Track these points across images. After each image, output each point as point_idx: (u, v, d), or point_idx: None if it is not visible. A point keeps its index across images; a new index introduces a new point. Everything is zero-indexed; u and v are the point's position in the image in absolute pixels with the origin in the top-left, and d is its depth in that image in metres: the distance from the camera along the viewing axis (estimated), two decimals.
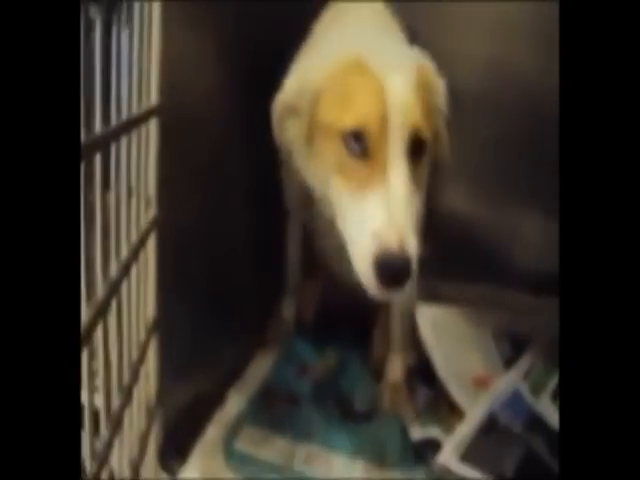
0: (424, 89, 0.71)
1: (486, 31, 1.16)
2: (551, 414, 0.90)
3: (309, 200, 0.87)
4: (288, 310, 1.12)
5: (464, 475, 0.80)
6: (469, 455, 0.82)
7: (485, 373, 0.98)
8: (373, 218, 0.63)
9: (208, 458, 0.90)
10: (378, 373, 1.02)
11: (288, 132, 0.78)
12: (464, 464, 0.81)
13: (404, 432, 0.91)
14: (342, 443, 0.91)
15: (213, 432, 0.94)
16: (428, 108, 0.71)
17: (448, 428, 0.89)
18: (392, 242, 0.61)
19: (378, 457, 0.88)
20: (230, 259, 1.02)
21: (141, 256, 0.70)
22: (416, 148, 0.67)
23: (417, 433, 0.90)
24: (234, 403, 0.99)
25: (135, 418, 0.73)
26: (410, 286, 0.91)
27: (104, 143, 0.53)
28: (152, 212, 0.73)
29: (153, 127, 0.70)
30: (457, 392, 0.93)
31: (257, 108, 0.84)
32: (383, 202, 0.63)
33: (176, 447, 0.90)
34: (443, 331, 1.02)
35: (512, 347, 1.04)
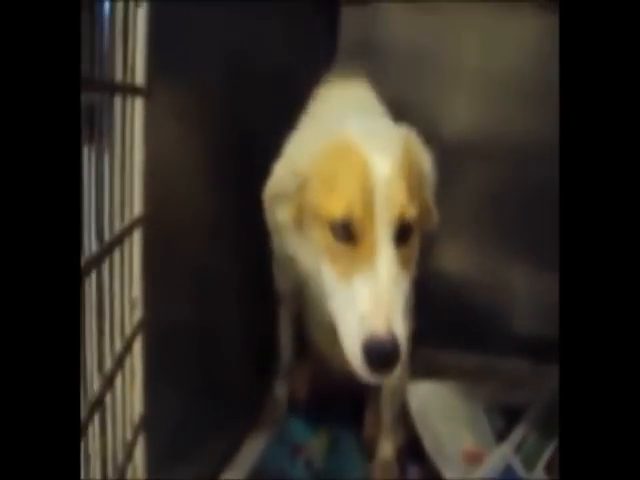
0: (410, 166, 0.71)
1: (474, 83, 1.20)
2: None
3: (300, 285, 0.90)
4: (281, 391, 1.13)
5: None
6: None
7: (476, 448, 0.97)
8: (361, 302, 0.64)
9: None
10: (370, 452, 1.01)
11: (278, 217, 0.81)
12: None
13: None
14: None
15: None
16: (415, 185, 0.71)
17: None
18: (379, 326, 0.62)
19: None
20: (220, 347, 1.03)
21: (127, 358, 0.72)
22: (402, 231, 0.68)
23: None
24: None
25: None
26: (400, 366, 0.94)
27: (99, 260, 0.55)
28: (138, 314, 0.75)
29: (137, 237, 0.72)
30: (447, 469, 0.92)
31: (246, 200, 0.86)
32: (370, 286, 0.64)
33: None
34: (433, 408, 1.02)
35: (505, 420, 1.03)
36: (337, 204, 0.68)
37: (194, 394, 0.99)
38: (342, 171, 0.69)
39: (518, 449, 0.96)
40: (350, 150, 0.69)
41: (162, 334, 0.84)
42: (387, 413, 0.99)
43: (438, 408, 1.02)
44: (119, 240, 0.63)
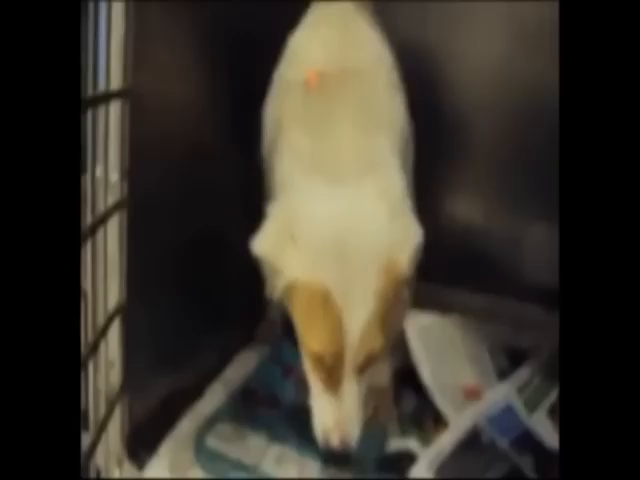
0: (387, 296, 0.70)
1: (493, 32, 1.12)
2: (545, 430, 0.84)
3: None
4: (276, 312, 1.08)
5: None
6: (446, 470, 0.77)
7: (476, 384, 0.92)
8: (325, 418, 0.75)
9: (178, 452, 0.87)
10: None
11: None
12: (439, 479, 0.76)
13: (382, 443, 0.87)
14: (316, 448, 0.86)
15: (186, 426, 0.91)
16: (390, 307, 0.71)
17: (428, 440, 0.84)
18: (336, 442, 0.74)
19: (351, 466, 0.83)
20: (217, 258, 1.00)
21: (101, 236, 0.69)
22: (368, 363, 0.72)
23: (395, 443, 0.85)
24: (212, 399, 0.96)
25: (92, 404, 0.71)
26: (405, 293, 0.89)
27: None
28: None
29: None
30: (443, 402, 0.88)
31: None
32: (335, 409, 0.73)
33: (145, 438, 0.87)
34: (434, 339, 0.96)
35: (508, 361, 0.98)
36: (312, 340, 0.72)
37: (187, 297, 0.95)
38: (318, 316, 0.70)
39: (521, 391, 0.91)
40: (326, 298, 0.68)
41: (151, 236, 0.80)
42: None
43: (438, 339, 0.97)
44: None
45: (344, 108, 0.77)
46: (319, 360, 0.72)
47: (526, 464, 0.78)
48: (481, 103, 1.17)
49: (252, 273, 0.79)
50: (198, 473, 0.83)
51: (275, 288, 0.73)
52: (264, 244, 0.72)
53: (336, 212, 0.71)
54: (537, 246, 1.20)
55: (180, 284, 0.93)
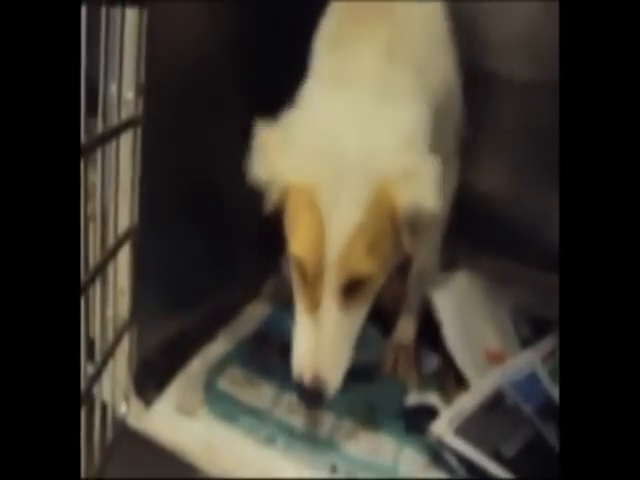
0: (381, 217, 0.64)
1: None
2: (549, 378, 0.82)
3: None
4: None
5: (457, 449, 0.71)
6: (466, 429, 0.73)
7: (499, 349, 0.89)
8: (299, 345, 0.70)
9: (186, 391, 0.84)
10: (386, 326, 0.94)
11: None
12: (459, 437, 0.72)
13: (401, 396, 0.84)
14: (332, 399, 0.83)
15: (196, 366, 0.88)
16: (384, 236, 0.66)
17: (449, 399, 0.81)
18: (306, 374, 0.68)
19: (368, 418, 0.81)
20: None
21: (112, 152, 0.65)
22: (354, 287, 0.67)
23: (414, 398, 0.82)
24: (223, 341, 0.93)
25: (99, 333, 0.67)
26: (432, 251, 0.90)
27: None
28: None
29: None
30: (466, 363, 0.84)
31: None
32: (309, 333, 0.68)
33: (154, 375, 0.84)
34: (459, 300, 0.93)
35: (531, 329, 0.95)
36: (295, 243, 0.68)
37: (203, 241, 0.92)
38: (302, 217, 0.66)
39: (545, 360, 0.87)
40: (312, 199, 0.65)
41: (165, 161, 0.76)
42: (412, 292, 0.93)
43: (464, 301, 0.93)
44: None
45: (374, 35, 0.72)
46: (301, 268, 0.67)
47: (550, 432, 0.75)
48: (508, 70, 1.13)
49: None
50: (206, 414, 0.80)
51: (271, 199, 0.69)
52: (260, 155, 0.69)
53: (341, 121, 0.67)
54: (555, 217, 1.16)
55: (196, 217, 0.89)
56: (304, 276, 0.68)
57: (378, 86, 0.69)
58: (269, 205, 0.70)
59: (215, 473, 0.75)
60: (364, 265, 0.65)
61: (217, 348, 0.92)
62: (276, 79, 0.82)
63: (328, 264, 0.64)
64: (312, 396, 0.69)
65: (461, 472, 0.71)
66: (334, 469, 0.74)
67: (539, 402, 0.79)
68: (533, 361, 0.86)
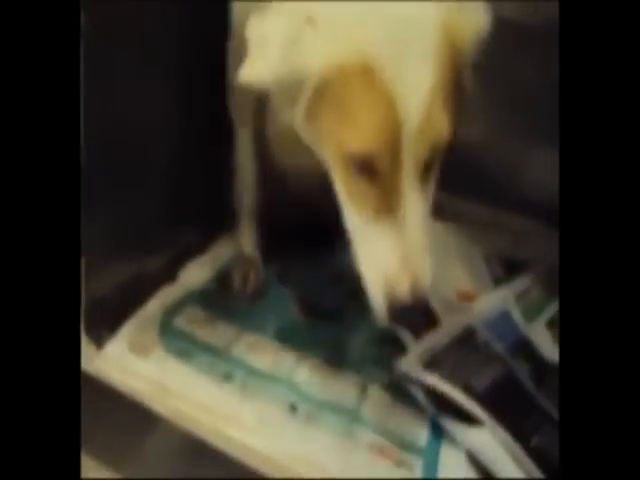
0: (451, 67, 0.55)
1: None
2: (544, 341, 0.78)
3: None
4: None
5: (425, 382, 0.68)
6: (435, 363, 0.70)
7: (471, 289, 0.85)
8: (385, 257, 0.55)
9: (140, 331, 0.79)
10: None
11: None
12: (428, 371, 0.69)
13: (369, 335, 0.79)
14: (295, 338, 0.79)
15: (153, 306, 0.83)
16: (454, 85, 0.56)
17: (419, 336, 0.76)
18: (405, 291, 0.54)
19: (332, 357, 0.77)
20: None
21: None
22: (433, 160, 0.56)
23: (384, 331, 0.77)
24: (185, 282, 0.88)
25: None
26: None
27: None
28: None
29: None
30: (438, 304, 0.80)
31: None
32: (395, 239, 0.54)
33: (107, 318, 0.79)
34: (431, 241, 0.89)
35: (505, 270, 0.91)
36: (354, 136, 0.54)
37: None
38: (361, 99, 0.53)
39: (518, 299, 0.84)
40: (372, 75, 0.51)
41: None
42: None
43: (433, 245, 0.89)
44: None
45: None
46: (366, 167, 0.54)
47: (521, 370, 0.72)
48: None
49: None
50: (161, 352, 0.76)
51: (293, 104, 0.56)
52: (271, 42, 0.54)
53: None
54: (543, 163, 1.13)
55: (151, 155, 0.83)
56: (374, 175, 0.55)
57: None
58: (299, 109, 0.56)
59: (168, 415, 0.71)
60: (444, 126, 0.54)
61: (178, 288, 0.87)
62: None
63: (407, 146, 0.52)
64: (414, 314, 0.56)
65: (429, 408, 0.68)
66: (293, 408, 0.70)
67: (511, 340, 0.76)
68: (506, 299, 0.82)
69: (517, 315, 0.81)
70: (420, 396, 0.68)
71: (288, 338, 0.79)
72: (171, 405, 0.71)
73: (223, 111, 0.85)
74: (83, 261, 0.70)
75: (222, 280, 0.89)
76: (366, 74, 0.52)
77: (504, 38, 1.06)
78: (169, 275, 0.89)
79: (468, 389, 0.66)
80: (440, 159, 0.58)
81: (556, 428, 0.62)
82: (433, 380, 0.67)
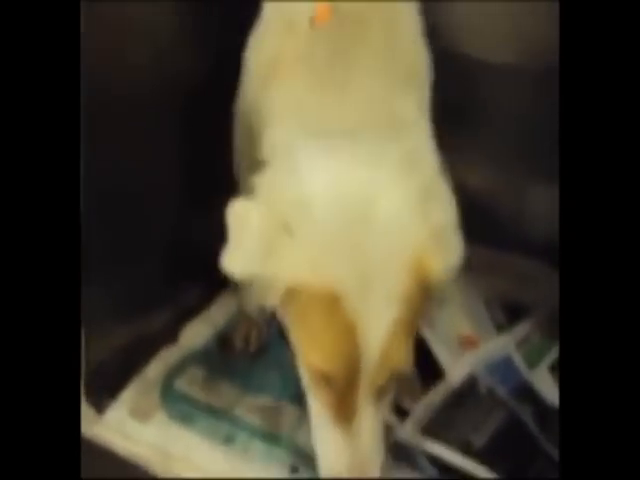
0: (416, 295, 0.53)
1: None
2: (547, 387, 0.77)
3: None
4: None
5: (425, 449, 0.67)
6: (435, 427, 0.70)
7: (473, 334, 0.85)
8: (336, 458, 0.57)
9: (142, 394, 0.79)
10: None
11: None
12: (427, 437, 0.68)
13: None
14: (297, 395, 0.78)
15: (154, 369, 0.83)
16: (418, 312, 0.55)
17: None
18: None
19: None
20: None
21: None
22: (389, 383, 0.56)
23: None
24: (185, 343, 0.88)
25: None
26: None
27: None
28: None
29: None
30: (440, 350, 0.80)
31: None
32: (348, 447, 0.56)
33: (107, 382, 0.79)
34: None
35: (506, 315, 0.90)
36: (317, 357, 0.55)
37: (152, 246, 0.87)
38: (323, 321, 0.53)
39: (520, 345, 0.84)
40: (337, 302, 0.52)
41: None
42: None
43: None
44: None
45: (363, 52, 0.62)
46: (326, 381, 0.55)
47: (526, 414, 0.71)
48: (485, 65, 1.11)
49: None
50: (163, 416, 0.76)
51: (265, 298, 0.56)
52: (247, 243, 0.55)
53: (348, 191, 0.53)
54: (543, 203, 1.13)
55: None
56: (331, 387, 0.55)
57: (381, 121, 0.58)
58: (268, 302, 0.57)
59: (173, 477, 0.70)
60: (403, 357, 0.54)
61: (177, 350, 0.87)
62: None
63: (365, 370, 0.53)
64: None
65: (431, 472, 0.67)
66: (295, 469, 0.69)
67: (514, 384, 0.76)
68: (508, 345, 0.82)
69: (519, 361, 0.81)
70: (421, 461, 0.68)
71: (291, 398, 0.78)
72: (173, 470, 0.70)
73: (226, 167, 0.87)
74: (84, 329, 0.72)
75: (223, 340, 0.89)
76: (331, 300, 0.52)
77: (504, 83, 1.10)
78: (169, 336, 0.89)
79: (469, 448, 0.66)
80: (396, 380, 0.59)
81: None
82: (432, 447, 0.67)
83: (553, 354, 0.83)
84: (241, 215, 0.56)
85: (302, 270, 0.52)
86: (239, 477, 0.68)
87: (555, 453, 0.65)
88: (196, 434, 0.73)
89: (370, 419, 0.55)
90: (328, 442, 0.58)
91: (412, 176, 0.55)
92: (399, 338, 0.52)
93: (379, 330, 0.52)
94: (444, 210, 0.55)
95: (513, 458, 0.64)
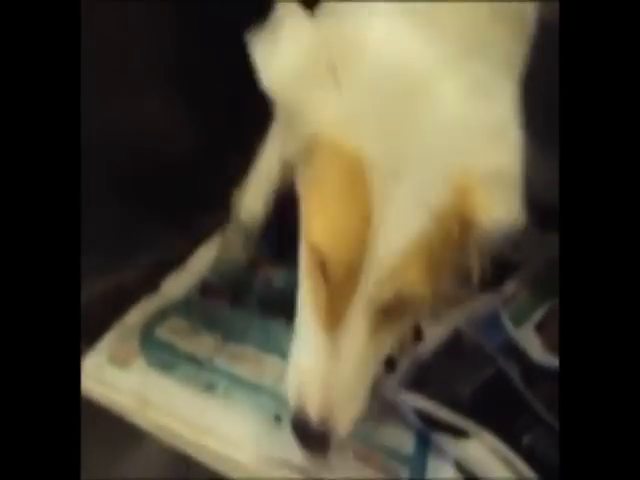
0: (462, 216, 0.46)
1: None
2: (532, 345, 0.76)
3: None
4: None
5: (411, 403, 0.67)
6: (421, 380, 0.69)
7: (458, 292, 0.84)
8: (306, 369, 0.51)
9: (120, 341, 0.77)
10: None
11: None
12: (412, 391, 0.68)
13: None
14: (280, 346, 0.77)
15: (134, 317, 0.81)
16: (447, 255, 0.48)
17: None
18: (314, 412, 0.50)
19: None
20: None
21: None
22: (393, 307, 0.48)
23: None
24: (166, 292, 0.86)
25: None
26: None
27: None
28: None
29: None
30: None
31: None
32: (324, 356, 0.49)
33: (85, 332, 0.77)
34: None
35: (493, 273, 0.90)
36: (319, 227, 0.48)
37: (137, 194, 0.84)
38: (338, 191, 0.46)
39: (506, 303, 0.83)
40: (359, 171, 0.45)
41: None
42: None
43: None
44: None
45: None
46: (321, 264, 0.48)
47: (512, 370, 0.71)
48: None
49: None
50: (142, 364, 0.74)
51: (289, 141, 0.50)
52: (284, 70, 0.47)
53: (404, 57, 0.46)
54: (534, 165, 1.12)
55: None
56: (326, 278, 0.48)
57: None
58: (288, 149, 0.51)
59: (150, 428, 0.69)
60: (419, 284, 0.46)
61: (159, 299, 0.85)
62: None
63: (368, 271, 0.46)
64: (317, 440, 0.51)
65: (417, 424, 0.66)
66: (278, 419, 0.68)
67: (499, 342, 0.75)
68: (493, 302, 0.81)
69: (505, 317, 0.80)
70: (407, 414, 0.67)
71: (273, 347, 0.77)
72: (152, 418, 0.69)
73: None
74: None
75: (205, 289, 0.87)
76: (355, 167, 0.45)
77: None
78: (150, 286, 0.87)
79: (454, 401, 0.65)
80: (413, 315, 0.53)
81: (548, 429, 0.61)
82: (418, 401, 0.66)
83: (539, 313, 0.82)
84: (295, 24, 0.48)
85: (335, 121, 0.45)
86: (220, 425, 0.67)
87: (543, 412, 0.65)
88: (176, 382, 0.72)
89: (359, 336, 0.48)
90: (305, 348, 0.52)
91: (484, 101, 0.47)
92: (418, 257, 0.45)
93: (399, 231, 0.44)
94: (509, 148, 0.47)
95: (499, 412, 0.64)
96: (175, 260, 0.92)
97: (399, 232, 0.45)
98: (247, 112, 0.76)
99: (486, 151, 0.46)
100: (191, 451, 0.67)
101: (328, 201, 0.47)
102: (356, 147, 0.45)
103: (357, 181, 0.45)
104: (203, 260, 0.92)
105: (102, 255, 0.78)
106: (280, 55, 0.47)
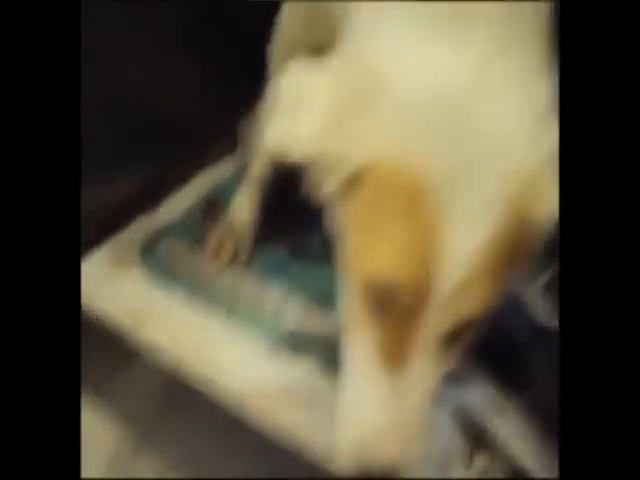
0: (519, 217, 0.43)
1: None
2: (538, 305, 0.76)
3: None
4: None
5: None
6: None
7: None
8: (373, 414, 0.45)
9: (123, 249, 0.76)
10: None
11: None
12: None
13: None
14: (280, 277, 0.76)
15: (136, 229, 0.80)
16: (506, 259, 0.44)
17: None
18: (381, 463, 0.45)
19: (318, 297, 0.74)
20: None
21: None
22: (460, 330, 0.44)
23: None
24: (170, 209, 0.84)
25: None
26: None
27: None
28: None
29: None
30: None
31: None
32: (389, 399, 0.45)
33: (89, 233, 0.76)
34: None
35: None
36: (383, 259, 0.43)
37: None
38: (395, 216, 0.43)
39: None
40: (415, 191, 0.42)
41: None
42: None
43: None
44: None
45: None
46: (383, 304, 0.44)
47: (515, 328, 0.71)
48: None
49: None
50: (140, 274, 0.73)
51: (322, 182, 0.46)
52: (309, 116, 0.45)
53: (435, 77, 0.44)
54: None
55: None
56: (388, 313, 0.44)
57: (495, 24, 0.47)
58: (327, 189, 0.46)
59: (144, 343, 0.68)
60: (484, 299, 0.43)
61: (162, 214, 0.83)
62: None
63: (436, 297, 0.42)
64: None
65: None
66: (274, 348, 0.68)
67: (506, 299, 0.74)
68: None
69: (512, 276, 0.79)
70: None
71: (273, 277, 0.76)
72: (145, 331, 0.68)
73: None
74: None
75: (208, 205, 0.85)
76: (413, 187, 0.42)
77: None
78: (153, 202, 0.85)
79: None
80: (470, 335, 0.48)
81: (550, 386, 0.61)
82: None
83: (547, 274, 0.81)
84: (303, 83, 0.46)
85: (382, 147, 0.43)
86: (217, 347, 0.66)
87: (545, 369, 0.64)
88: (173, 301, 0.71)
89: (427, 372, 0.45)
90: (367, 395, 0.46)
91: (524, 90, 0.45)
92: (484, 270, 0.42)
93: (462, 245, 0.42)
94: (550, 138, 0.44)
95: (503, 363, 0.64)
96: (177, 181, 0.90)
97: (464, 245, 0.42)
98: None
99: (531, 145, 0.44)
100: (183, 374, 0.66)
101: (384, 229, 0.44)
102: (410, 164, 0.42)
103: (417, 201, 0.42)
104: (207, 181, 0.89)
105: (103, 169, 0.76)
106: (305, 114, 0.45)
